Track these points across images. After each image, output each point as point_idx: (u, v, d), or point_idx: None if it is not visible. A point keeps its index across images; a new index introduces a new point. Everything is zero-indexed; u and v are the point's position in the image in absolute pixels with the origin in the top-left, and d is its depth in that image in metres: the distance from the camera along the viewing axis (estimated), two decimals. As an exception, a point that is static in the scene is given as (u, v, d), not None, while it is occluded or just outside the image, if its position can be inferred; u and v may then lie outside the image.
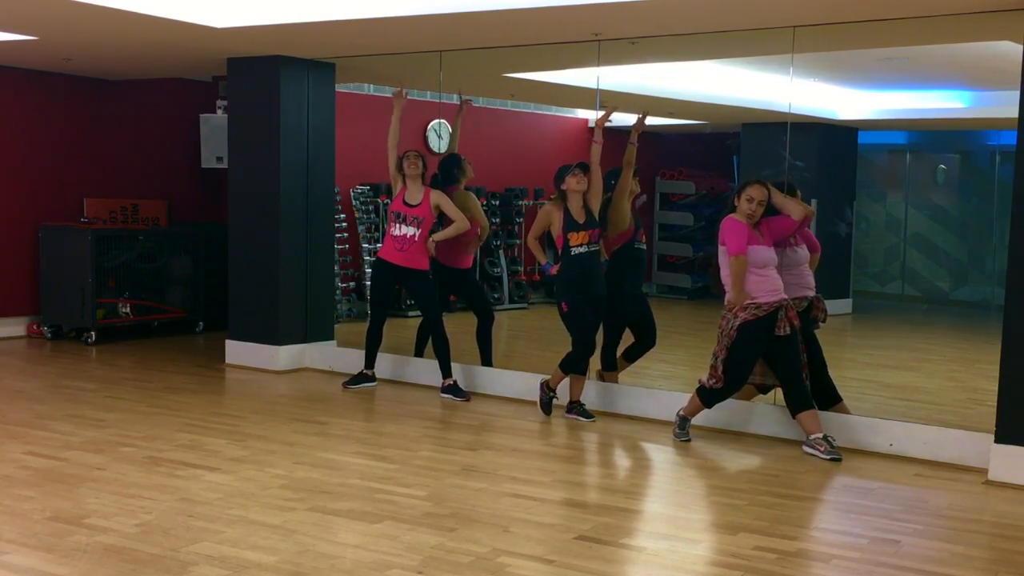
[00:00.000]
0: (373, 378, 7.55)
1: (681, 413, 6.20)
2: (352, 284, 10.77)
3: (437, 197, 7.27)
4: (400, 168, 7.31)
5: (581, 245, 6.49)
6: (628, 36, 6.86)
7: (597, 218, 6.58)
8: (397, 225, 7.28)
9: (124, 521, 4.44)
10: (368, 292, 10.57)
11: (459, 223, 7.22)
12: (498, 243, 12.02)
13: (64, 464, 5.33)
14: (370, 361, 7.52)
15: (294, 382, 7.82)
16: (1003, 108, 7.22)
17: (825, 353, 6.43)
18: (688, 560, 4.19)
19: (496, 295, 11.86)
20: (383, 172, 11.07)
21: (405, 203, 7.26)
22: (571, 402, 6.70)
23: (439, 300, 7.59)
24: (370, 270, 10.73)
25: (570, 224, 6.52)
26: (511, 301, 12.05)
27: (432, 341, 7.38)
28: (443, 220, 7.40)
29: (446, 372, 7.30)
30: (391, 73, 9.54)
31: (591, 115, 12.62)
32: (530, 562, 4.09)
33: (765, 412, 6.38)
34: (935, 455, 5.82)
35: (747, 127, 12.18)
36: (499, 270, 11.94)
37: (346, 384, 7.51)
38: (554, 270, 6.63)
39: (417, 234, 7.20)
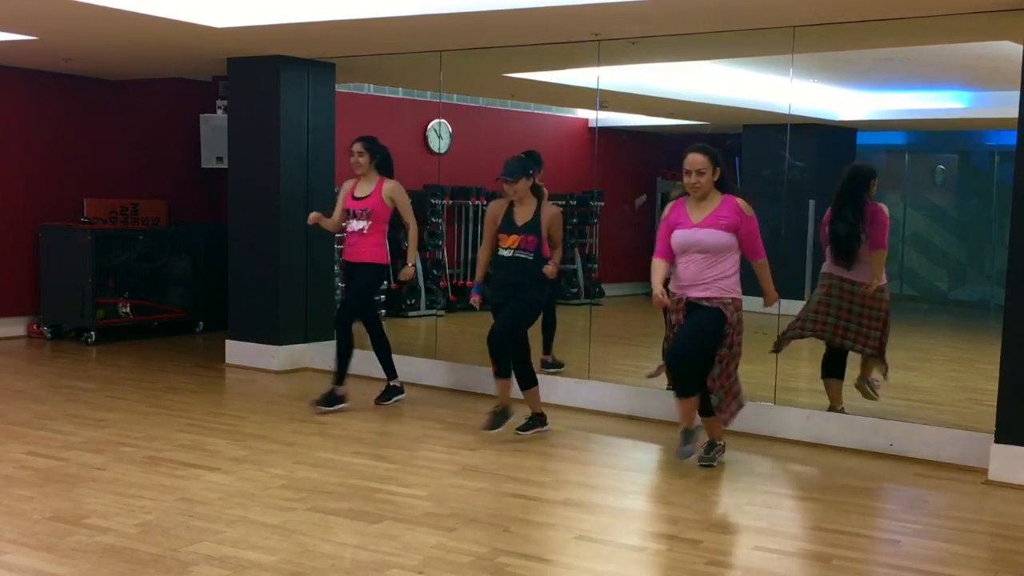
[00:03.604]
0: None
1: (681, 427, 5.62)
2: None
3: (392, 188, 6.75)
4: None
5: (508, 248, 6.08)
6: (628, 36, 6.86)
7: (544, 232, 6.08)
8: (349, 222, 6.83)
9: (124, 521, 4.44)
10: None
11: (413, 226, 6.81)
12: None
13: (64, 464, 5.33)
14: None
15: (294, 382, 7.82)
16: (1002, 108, 7.23)
17: (825, 353, 6.46)
18: (688, 560, 4.19)
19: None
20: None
21: (354, 197, 6.81)
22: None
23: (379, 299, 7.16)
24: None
25: (505, 224, 6.12)
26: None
27: (371, 341, 6.97)
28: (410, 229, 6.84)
29: (390, 373, 6.98)
30: (391, 73, 9.55)
31: (591, 115, 12.67)
32: (530, 562, 4.09)
33: (764, 412, 6.38)
34: (935, 455, 5.82)
35: (748, 128, 12.19)
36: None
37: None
38: (475, 299, 6.35)
39: (367, 226, 6.70)
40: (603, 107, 10.90)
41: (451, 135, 11.51)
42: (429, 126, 11.43)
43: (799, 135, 7.29)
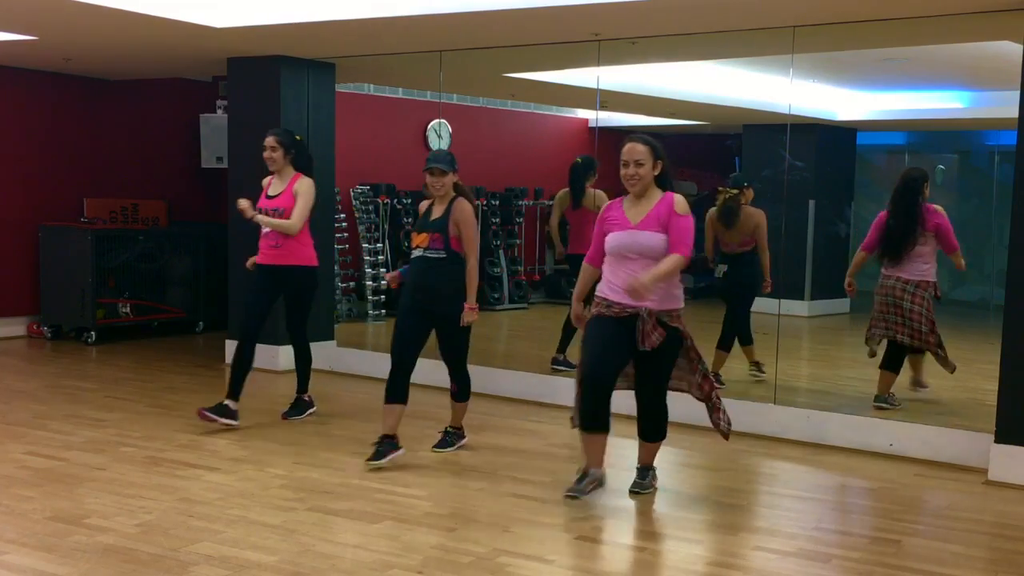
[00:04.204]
0: (235, 414, 6.20)
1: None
2: (352, 284, 10.77)
3: (300, 184, 6.23)
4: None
5: (418, 247, 5.60)
6: (628, 36, 6.86)
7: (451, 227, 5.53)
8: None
9: (124, 521, 4.44)
10: (359, 294, 10.56)
11: (290, 224, 6.15)
12: (498, 243, 12.03)
13: (64, 464, 5.33)
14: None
15: (294, 382, 7.80)
16: (1002, 108, 7.23)
17: (825, 351, 6.44)
18: (688, 560, 4.19)
19: (496, 295, 11.87)
20: (383, 172, 11.12)
21: (267, 196, 6.31)
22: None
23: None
24: (370, 270, 10.75)
25: (420, 221, 5.68)
26: (511, 301, 12.06)
27: (295, 353, 6.59)
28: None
29: (303, 387, 6.62)
30: (391, 73, 9.55)
31: (591, 115, 12.68)
32: (530, 562, 4.08)
33: (764, 412, 6.38)
34: (935, 455, 5.82)
35: (748, 128, 12.19)
36: (499, 270, 11.95)
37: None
38: (391, 278, 5.80)
39: None
40: (603, 107, 10.90)
41: (451, 135, 11.51)
42: (429, 126, 11.42)
43: (799, 135, 7.30)
